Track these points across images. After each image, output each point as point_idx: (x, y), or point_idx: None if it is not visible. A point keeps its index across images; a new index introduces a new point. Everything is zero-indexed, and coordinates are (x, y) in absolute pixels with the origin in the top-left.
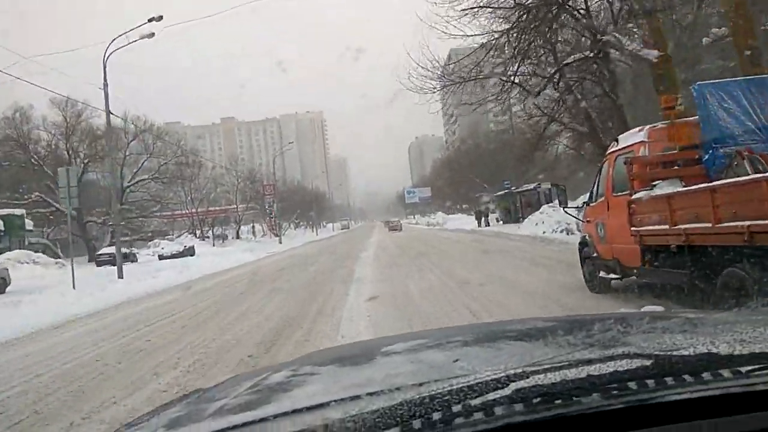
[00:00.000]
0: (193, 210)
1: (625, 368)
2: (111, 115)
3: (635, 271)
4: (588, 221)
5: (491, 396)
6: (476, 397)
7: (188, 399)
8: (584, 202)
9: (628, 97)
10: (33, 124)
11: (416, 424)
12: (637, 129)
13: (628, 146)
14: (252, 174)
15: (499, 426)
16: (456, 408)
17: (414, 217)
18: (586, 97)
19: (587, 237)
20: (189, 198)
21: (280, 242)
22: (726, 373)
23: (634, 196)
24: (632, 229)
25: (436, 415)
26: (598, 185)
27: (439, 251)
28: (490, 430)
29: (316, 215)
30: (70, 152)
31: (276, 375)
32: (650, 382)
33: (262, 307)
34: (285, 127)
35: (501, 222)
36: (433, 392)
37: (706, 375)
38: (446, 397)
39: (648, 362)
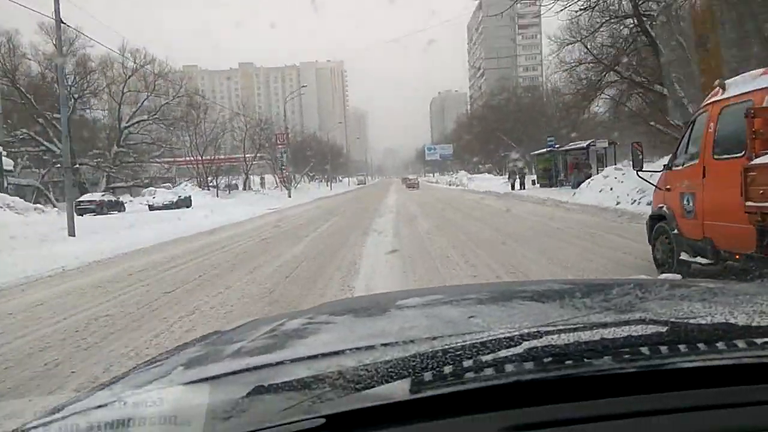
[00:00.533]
0: (198, 157)
1: (639, 333)
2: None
3: (738, 257)
4: (668, 189)
5: (503, 353)
6: (488, 353)
7: (207, 340)
8: (664, 166)
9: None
10: (21, 52)
11: (427, 376)
12: (760, 71)
13: (744, 94)
14: (263, 121)
15: (509, 383)
16: (467, 363)
17: (433, 176)
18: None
19: (664, 209)
20: (194, 143)
21: (289, 196)
22: (741, 343)
23: (754, 161)
24: (748, 204)
25: (447, 369)
26: (687, 145)
27: (480, 223)
28: (500, 386)
29: (332, 169)
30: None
31: (293, 321)
32: (663, 348)
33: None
34: (304, 75)
35: (538, 185)
36: (446, 346)
37: (720, 344)
38: (458, 352)
39: (663, 329)
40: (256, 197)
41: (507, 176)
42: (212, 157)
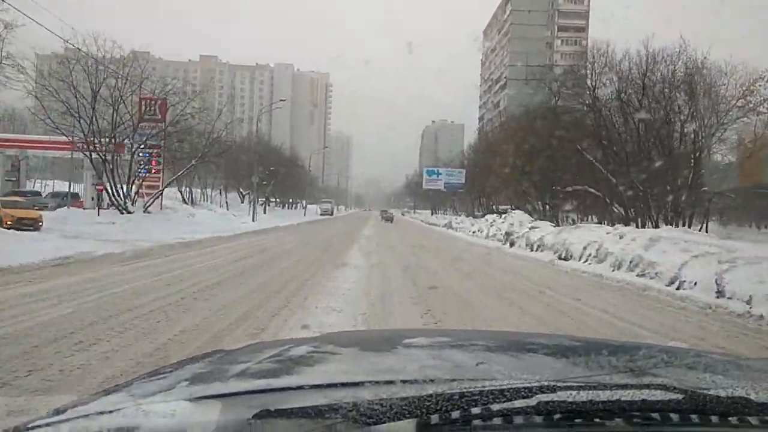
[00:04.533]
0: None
1: (655, 399)
2: None
3: None
4: None
5: (513, 404)
6: (497, 402)
7: (210, 358)
8: None
9: None
10: None
11: (434, 418)
12: None
13: None
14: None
15: None
16: (475, 410)
17: (412, 211)
18: None
19: None
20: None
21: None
22: (755, 421)
23: None
24: None
25: (455, 414)
26: None
27: None
28: None
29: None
30: None
31: (298, 348)
32: (675, 416)
33: None
34: (279, 80)
35: None
36: (454, 391)
37: (733, 419)
38: (467, 398)
39: (680, 396)
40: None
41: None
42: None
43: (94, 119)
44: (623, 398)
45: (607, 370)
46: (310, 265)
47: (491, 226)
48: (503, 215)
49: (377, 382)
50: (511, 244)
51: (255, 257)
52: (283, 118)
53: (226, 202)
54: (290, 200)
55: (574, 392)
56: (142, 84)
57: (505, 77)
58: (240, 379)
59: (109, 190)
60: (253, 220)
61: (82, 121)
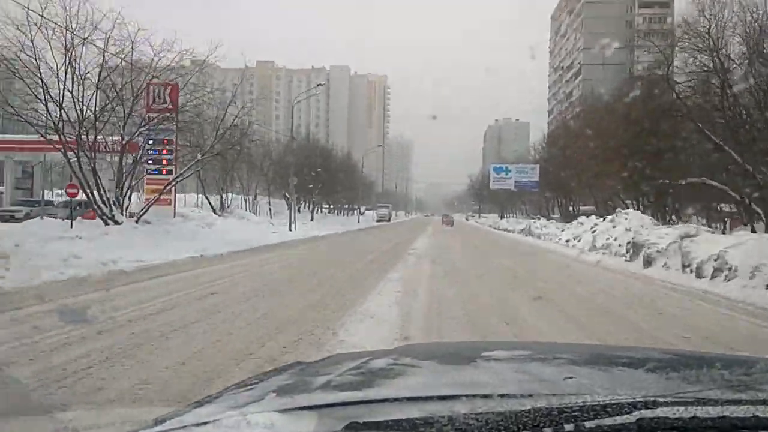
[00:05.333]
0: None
1: (763, 415)
2: None
3: None
4: None
5: (608, 421)
6: (591, 419)
7: (291, 370)
8: None
9: None
10: None
11: None
12: None
13: None
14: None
15: None
16: (568, 426)
17: (477, 216)
18: None
19: None
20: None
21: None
22: None
23: None
24: None
25: (549, 430)
26: None
27: None
28: None
29: (349, 197)
30: None
31: (378, 360)
32: None
33: None
34: (336, 83)
35: None
36: (545, 406)
37: None
38: (567, 413)
39: None
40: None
41: None
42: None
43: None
44: (734, 414)
45: (710, 384)
46: (310, 311)
47: (595, 233)
48: (605, 218)
49: (472, 396)
50: (647, 263)
51: (237, 290)
52: (340, 122)
53: (269, 209)
54: (345, 206)
55: (678, 408)
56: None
57: (579, 63)
58: (326, 391)
59: (91, 196)
60: (291, 229)
61: (49, 104)
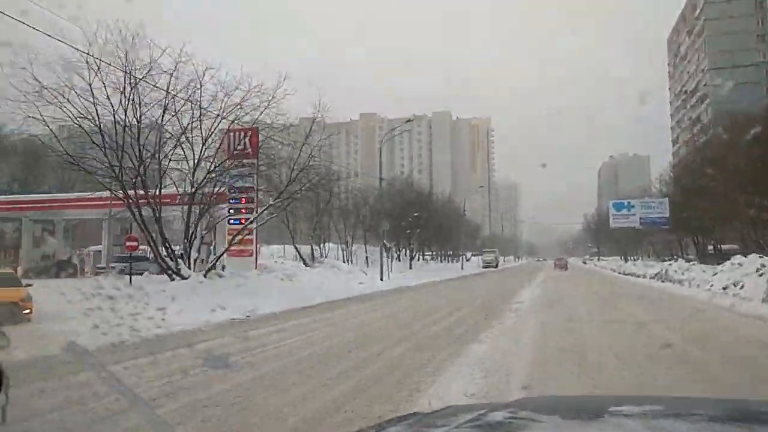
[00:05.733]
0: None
1: None
2: None
3: None
4: None
5: None
6: None
7: (407, 420)
8: None
9: None
10: None
11: None
12: None
13: None
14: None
15: None
16: None
17: (596, 258)
18: None
19: None
20: None
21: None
22: None
23: None
24: None
25: None
26: None
27: None
28: None
29: (452, 243)
30: None
31: (496, 414)
32: None
33: None
34: (438, 128)
35: None
36: None
37: None
38: None
39: None
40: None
41: None
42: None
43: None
44: None
45: None
46: None
47: (764, 276)
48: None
49: None
50: None
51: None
52: (443, 168)
53: (366, 257)
54: (448, 252)
55: None
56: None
57: (704, 84)
58: None
59: (156, 251)
60: (382, 279)
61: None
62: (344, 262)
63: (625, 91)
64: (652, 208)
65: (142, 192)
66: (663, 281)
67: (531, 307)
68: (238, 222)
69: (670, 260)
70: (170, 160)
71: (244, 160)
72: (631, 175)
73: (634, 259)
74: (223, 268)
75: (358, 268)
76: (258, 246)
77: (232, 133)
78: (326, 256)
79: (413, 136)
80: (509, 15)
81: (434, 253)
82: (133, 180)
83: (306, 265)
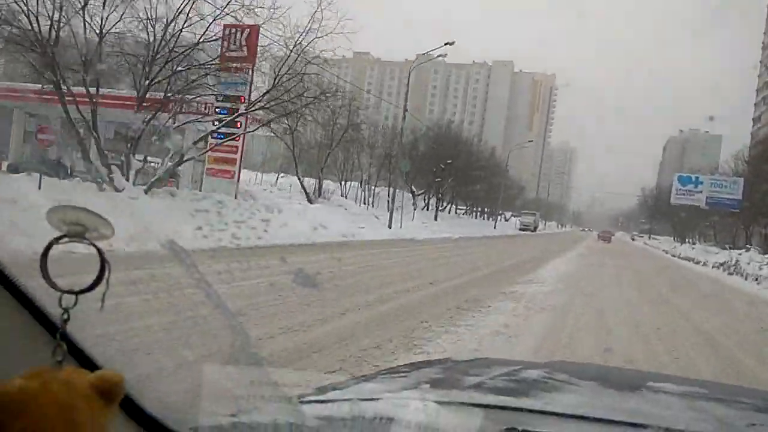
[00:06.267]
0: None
1: None
2: None
3: None
4: None
5: None
6: None
7: (442, 365)
8: None
9: None
10: None
11: None
12: None
13: None
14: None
15: None
16: None
17: (647, 236)
18: None
19: None
20: None
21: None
22: None
23: None
24: None
25: None
26: None
27: None
28: None
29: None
30: None
31: (530, 371)
32: None
33: None
34: (497, 78)
35: None
36: None
37: None
38: None
39: None
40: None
41: None
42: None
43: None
44: None
45: None
46: None
47: None
48: None
49: (634, 425)
50: None
51: None
52: (497, 122)
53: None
54: (485, 209)
55: None
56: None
57: None
58: (477, 391)
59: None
60: (390, 226)
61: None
62: (363, 203)
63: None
64: (723, 188)
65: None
66: (731, 273)
67: (548, 294)
68: (223, 137)
69: (732, 248)
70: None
71: (237, 64)
72: (700, 154)
73: (691, 242)
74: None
75: (372, 211)
76: (240, 167)
77: (228, 29)
78: (332, 193)
79: (470, 84)
80: None
81: (469, 207)
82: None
83: (310, 201)
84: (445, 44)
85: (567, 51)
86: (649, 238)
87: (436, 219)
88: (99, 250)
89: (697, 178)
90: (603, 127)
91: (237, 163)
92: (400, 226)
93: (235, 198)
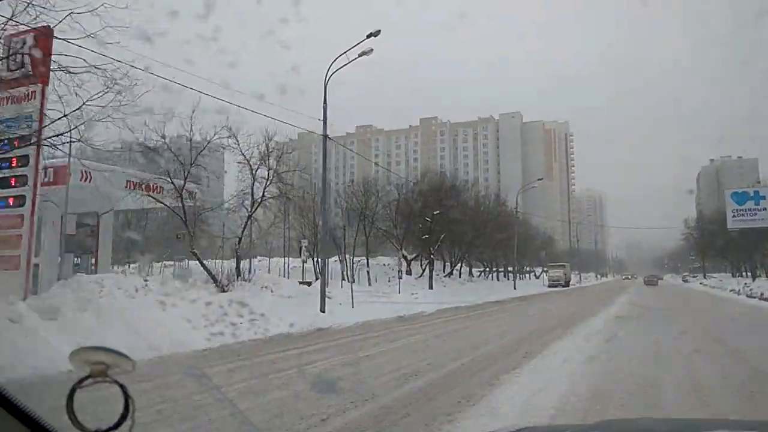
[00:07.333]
0: None
1: None
2: None
3: None
4: None
5: None
6: None
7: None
8: None
9: None
10: None
11: None
12: None
13: None
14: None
15: None
16: None
17: (701, 276)
18: None
19: None
20: None
21: None
22: None
23: None
24: None
25: None
26: None
27: None
28: None
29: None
30: None
31: None
32: None
33: None
34: (506, 131)
35: None
36: None
37: None
38: None
39: None
40: None
41: None
42: None
43: None
44: None
45: None
46: None
47: None
48: None
49: None
50: None
51: None
52: (512, 176)
53: (368, 273)
54: (507, 267)
55: None
56: None
57: None
58: None
59: None
60: (323, 310)
61: None
62: (343, 279)
63: (732, 83)
64: None
65: None
66: None
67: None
68: (3, 204)
69: None
70: None
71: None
72: (736, 179)
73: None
74: None
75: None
76: (32, 249)
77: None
78: (253, 275)
79: (479, 141)
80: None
81: (486, 267)
82: None
83: (222, 289)
84: (367, 35)
85: (578, 99)
86: (704, 277)
87: (431, 287)
88: (122, 387)
89: (756, 192)
90: (627, 168)
91: (27, 247)
92: (352, 306)
93: (24, 300)
